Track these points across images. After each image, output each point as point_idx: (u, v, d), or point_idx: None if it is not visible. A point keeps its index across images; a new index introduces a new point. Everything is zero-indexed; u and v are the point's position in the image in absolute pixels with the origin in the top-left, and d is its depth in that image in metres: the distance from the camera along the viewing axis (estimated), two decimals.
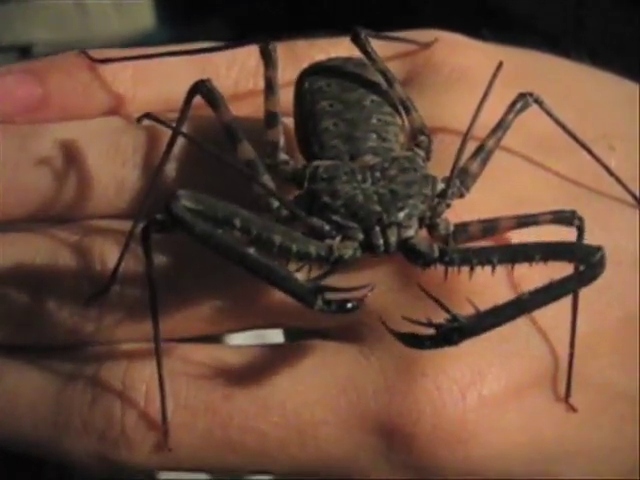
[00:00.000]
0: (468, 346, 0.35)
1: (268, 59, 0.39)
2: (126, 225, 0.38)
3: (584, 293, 0.37)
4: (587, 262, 0.33)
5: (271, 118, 0.38)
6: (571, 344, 0.38)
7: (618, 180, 0.40)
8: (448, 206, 0.36)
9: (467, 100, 0.39)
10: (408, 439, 0.36)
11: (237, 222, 0.33)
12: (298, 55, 0.42)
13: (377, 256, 0.35)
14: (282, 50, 0.41)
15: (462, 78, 0.41)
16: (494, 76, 0.38)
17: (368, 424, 0.36)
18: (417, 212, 0.35)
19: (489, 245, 0.36)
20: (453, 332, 0.33)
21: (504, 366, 0.37)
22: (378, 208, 0.35)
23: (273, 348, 0.38)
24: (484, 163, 0.38)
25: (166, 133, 0.39)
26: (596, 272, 0.33)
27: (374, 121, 0.38)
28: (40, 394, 0.38)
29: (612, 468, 0.40)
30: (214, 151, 0.35)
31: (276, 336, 0.45)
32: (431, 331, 0.33)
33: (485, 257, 0.34)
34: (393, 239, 0.35)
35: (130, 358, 0.38)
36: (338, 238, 0.35)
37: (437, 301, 0.33)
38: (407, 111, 0.39)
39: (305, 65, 0.41)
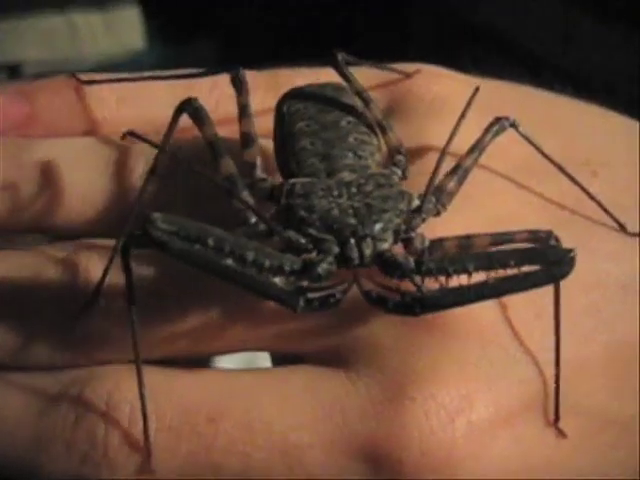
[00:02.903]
0: (455, 370, 0.36)
1: (239, 86, 0.40)
2: (111, 242, 0.38)
3: (570, 316, 0.37)
4: (558, 261, 0.34)
5: (246, 139, 0.39)
6: (556, 363, 0.37)
7: (599, 204, 0.40)
8: (423, 220, 0.36)
9: (450, 126, 0.39)
10: (396, 465, 0.35)
11: (210, 241, 0.34)
12: (280, 82, 0.42)
13: (352, 269, 0.35)
14: (265, 77, 0.42)
15: (444, 106, 0.42)
16: (471, 98, 0.38)
17: (355, 449, 0.36)
18: (392, 225, 0.35)
19: (464, 253, 0.35)
20: (416, 302, 0.33)
21: (492, 391, 0.36)
22: (353, 221, 0.35)
23: (259, 372, 0.38)
24: (460, 182, 0.38)
25: (148, 151, 0.39)
26: (564, 270, 0.34)
27: (351, 140, 0.38)
28: (22, 415, 0.37)
29: None
30: (196, 167, 0.36)
31: (264, 362, 0.45)
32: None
33: (461, 265, 0.34)
34: (368, 252, 0.35)
35: (114, 379, 0.37)
36: (314, 252, 0.35)
37: (405, 264, 0.34)
38: (383, 131, 0.40)
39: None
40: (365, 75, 0.42)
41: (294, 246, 0.35)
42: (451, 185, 0.38)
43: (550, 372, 0.37)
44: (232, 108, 0.40)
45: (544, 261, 0.34)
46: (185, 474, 0.36)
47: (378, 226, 0.35)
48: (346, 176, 0.37)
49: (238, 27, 0.73)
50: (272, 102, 0.40)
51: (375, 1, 0.69)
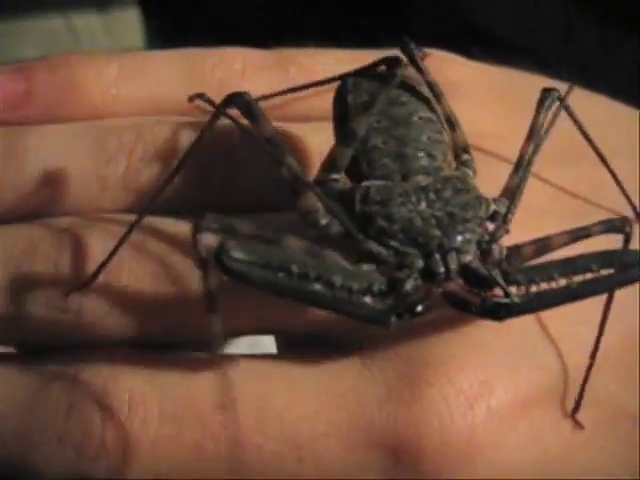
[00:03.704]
0: (473, 356, 0.35)
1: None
2: (115, 217, 0.37)
3: (586, 304, 0.36)
4: (635, 264, 0.34)
5: (350, 136, 0.37)
6: (592, 354, 0.37)
7: (623, 190, 0.39)
8: (507, 232, 0.35)
9: (463, 111, 0.38)
10: (415, 454, 0.35)
11: (294, 268, 0.32)
12: (284, 60, 0.42)
13: (435, 284, 0.34)
14: (271, 55, 0.41)
15: (455, 91, 0.41)
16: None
17: (372, 438, 0.34)
18: (475, 236, 0.34)
19: (545, 262, 0.35)
20: (501, 307, 0.33)
21: (512, 377, 0.36)
22: (437, 233, 0.34)
23: (269, 358, 0.37)
24: (526, 177, 0.37)
25: (150, 133, 0.38)
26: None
27: (423, 138, 0.37)
28: (10, 403, 0.35)
29: None
30: (273, 155, 0.34)
31: (267, 347, 0.43)
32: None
33: (547, 275, 0.34)
34: (454, 265, 0.34)
35: (112, 362, 0.35)
36: (393, 263, 0.34)
37: (491, 275, 0.33)
38: (452, 127, 0.38)
39: (293, 71, 0.40)
40: (371, 57, 0.41)
41: (373, 256, 0.34)
42: (518, 182, 0.37)
43: (569, 361, 0.37)
44: (235, 86, 0.39)
45: (622, 264, 0.34)
46: (191, 466, 0.35)
47: (462, 238, 0.34)
48: (421, 180, 0.36)
49: (238, 28, 0.73)
50: (278, 82, 0.39)
51: (375, 1, 0.69)
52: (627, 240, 0.36)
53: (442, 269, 0.34)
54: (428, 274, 0.34)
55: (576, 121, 0.39)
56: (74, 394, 0.35)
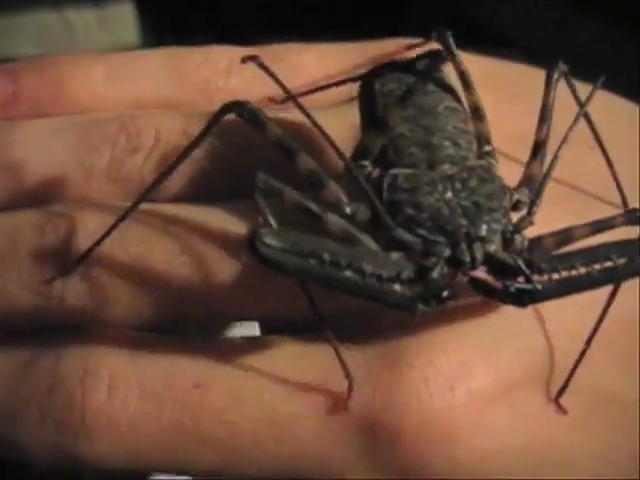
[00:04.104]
0: (454, 338, 0.35)
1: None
2: (96, 208, 0.37)
3: None
4: None
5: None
6: (588, 340, 0.37)
7: (614, 176, 0.40)
8: (531, 223, 0.36)
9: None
10: (393, 435, 0.35)
11: (326, 255, 0.33)
12: (269, 57, 0.41)
13: (460, 272, 0.34)
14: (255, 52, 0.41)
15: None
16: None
17: (350, 419, 0.35)
18: (500, 226, 0.35)
19: (567, 251, 0.35)
20: (525, 293, 0.33)
21: (493, 359, 0.35)
22: (464, 222, 0.35)
23: (248, 340, 0.37)
24: (543, 161, 0.37)
25: (133, 125, 0.39)
26: None
27: (449, 128, 0.37)
28: None
29: (604, 475, 0.38)
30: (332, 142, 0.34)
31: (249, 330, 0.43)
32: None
33: (569, 264, 0.34)
34: (479, 255, 0.34)
35: (94, 342, 0.36)
36: (420, 251, 0.34)
37: (515, 264, 0.33)
38: (479, 118, 0.39)
39: (278, 67, 0.40)
40: (356, 49, 0.42)
41: (401, 244, 0.35)
42: (536, 169, 0.37)
43: (553, 343, 0.36)
44: (221, 83, 0.40)
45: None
46: (171, 444, 0.35)
47: (488, 227, 0.35)
48: (447, 169, 0.36)
49: (234, 23, 0.73)
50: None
51: (374, 1, 0.69)
52: None
53: (468, 258, 0.34)
54: (454, 262, 0.34)
55: (577, 98, 0.39)
56: (57, 372, 0.36)
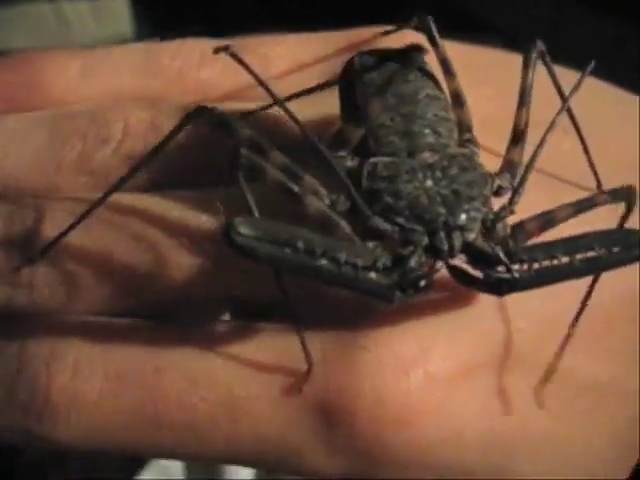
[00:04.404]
0: (413, 322, 0.35)
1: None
2: (66, 199, 0.38)
3: None
4: (635, 244, 0.34)
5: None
6: (572, 324, 0.36)
7: (589, 160, 0.39)
8: (512, 212, 0.36)
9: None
10: (348, 416, 0.34)
11: (300, 244, 0.33)
12: (241, 49, 0.41)
13: (439, 260, 0.34)
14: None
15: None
16: None
17: (305, 400, 0.35)
18: (480, 215, 0.35)
19: (549, 240, 0.35)
20: (503, 283, 0.33)
21: (452, 343, 0.35)
22: (443, 210, 0.34)
23: (206, 325, 0.37)
24: (523, 147, 0.37)
25: (103, 117, 0.39)
26: None
27: (430, 116, 0.37)
28: None
29: (587, 466, 0.38)
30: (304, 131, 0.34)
31: None
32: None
33: (549, 252, 0.34)
34: (458, 243, 0.34)
35: (60, 328, 0.37)
36: (398, 239, 0.34)
37: (494, 253, 0.33)
38: (460, 105, 0.38)
39: (250, 59, 0.40)
40: (330, 38, 0.42)
41: (379, 233, 0.35)
42: (517, 154, 0.37)
43: (516, 328, 0.36)
44: (194, 75, 0.40)
45: (625, 243, 0.35)
46: (132, 425, 0.36)
47: (467, 216, 0.34)
48: (428, 157, 0.36)
49: (229, 16, 0.73)
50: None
51: None
52: (629, 209, 0.36)
53: (446, 246, 0.34)
54: (432, 251, 0.34)
55: (555, 81, 0.39)
56: (23, 356, 0.36)
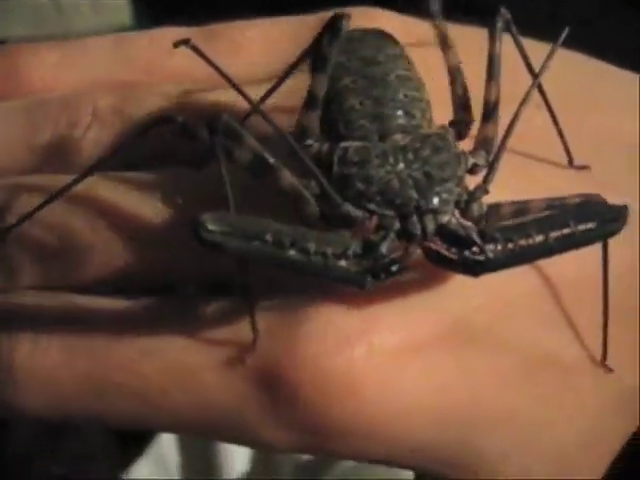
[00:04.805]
0: (362, 296, 0.35)
1: (337, 34, 0.37)
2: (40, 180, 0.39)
3: None
4: (612, 219, 0.34)
5: (313, 100, 0.37)
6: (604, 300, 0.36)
7: (560, 134, 0.39)
8: (486, 192, 0.35)
9: None
10: (291, 387, 0.34)
11: (268, 236, 0.33)
12: (212, 35, 0.42)
13: (412, 244, 0.34)
14: (200, 32, 0.42)
15: None
16: None
17: (249, 371, 0.35)
18: (453, 196, 0.34)
19: (523, 219, 0.35)
20: (477, 264, 0.33)
21: (402, 317, 0.35)
22: (415, 194, 0.34)
23: (158, 299, 0.38)
24: (497, 122, 0.36)
25: (77, 105, 0.40)
26: (617, 227, 0.34)
27: (401, 97, 0.37)
28: None
29: (553, 444, 0.38)
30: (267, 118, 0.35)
31: None
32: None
33: (524, 232, 0.34)
34: (431, 226, 0.34)
35: (20, 301, 0.38)
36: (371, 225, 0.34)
37: (467, 235, 0.33)
38: (453, 81, 0.38)
39: (221, 45, 0.41)
40: (301, 22, 0.42)
41: (350, 219, 0.34)
42: (491, 129, 0.36)
43: (474, 304, 0.36)
44: (166, 64, 0.41)
45: (599, 219, 0.34)
46: (86, 394, 0.36)
47: (439, 198, 0.34)
48: (399, 139, 0.36)
49: (228, 5, 0.72)
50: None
51: None
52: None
53: (419, 230, 0.34)
54: (405, 235, 0.34)
55: (521, 48, 0.39)
56: None
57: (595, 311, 0.37)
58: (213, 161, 0.36)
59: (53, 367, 0.37)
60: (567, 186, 0.37)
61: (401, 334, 0.35)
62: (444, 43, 0.38)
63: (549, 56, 0.36)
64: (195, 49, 0.35)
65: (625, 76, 0.43)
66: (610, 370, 0.37)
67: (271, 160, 0.35)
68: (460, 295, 0.36)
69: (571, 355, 0.37)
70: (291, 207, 0.36)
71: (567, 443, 0.38)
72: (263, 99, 0.39)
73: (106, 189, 0.38)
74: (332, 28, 0.36)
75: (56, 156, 0.40)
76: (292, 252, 0.33)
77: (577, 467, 0.39)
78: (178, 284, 0.38)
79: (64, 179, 0.38)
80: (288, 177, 0.35)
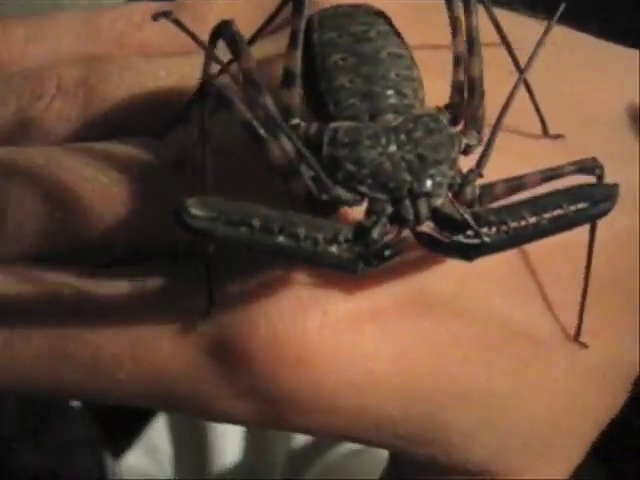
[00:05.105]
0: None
1: (300, 8, 0.36)
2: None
3: None
4: (603, 199, 0.34)
5: (289, 77, 0.36)
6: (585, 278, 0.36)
7: (533, 101, 0.38)
8: (481, 176, 0.34)
9: None
10: (243, 356, 0.34)
11: (256, 222, 0.31)
12: (179, 8, 0.41)
13: (405, 228, 0.33)
14: (167, 5, 0.42)
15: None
16: None
17: (202, 340, 0.34)
18: (447, 179, 0.33)
19: (516, 200, 0.34)
20: (471, 247, 0.32)
21: (359, 285, 0.34)
22: (408, 177, 0.33)
23: (112, 270, 0.37)
24: (483, 99, 0.35)
25: (40, 77, 0.40)
26: (609, 206, 0.34)
27: (392, 76, 0.35)
28: None
29: (522, 420, 0.37)
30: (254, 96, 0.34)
31: None
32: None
33: (518, 214, 0.33)
34: (424, 210, 0.32)
35: None
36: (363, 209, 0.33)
37: (462, 218, 0.32)
38: (457, 66, 0.36)
39: (187, 17, 0.39)
40: None
41: (341, 203, 0.33)
42: (478, 105, 0.35)
43: (438, 272, 0.35)
44: (137, 37, 0.41)
45: (591, 199, 0.33)
46: (42, 366, 0.36)
47: (433, 181, 0.33)
48: (391, 119, 0.34)
49: None
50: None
51: None
52: (599, 181, 0.35)
53: (412, 215, 0.33)
54: (397, 219, 0.33)
55: (495, 22, 0.38)
56: None
57: (571, 285, 0.37)
58: (173, 129, 0.37)
59: (6, 341, 0.36)
60: (547, 156, 0.36)
61: (357, 301, 0.34)
62: (454, 28, 0.36)
63: (544, 33, 0.35)
64: (176, 21, 0.34)
65: (602, 46, 0.42)
66: (584, 345, 0.37)
67: (261, 133, 0.34)
68: (423, 264, 0.35)
69: (542, 329, 0.36)
70: (278, 183, 0.34)
71: (538, 419, 0.37)
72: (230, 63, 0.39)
73: (65, 160, 0.38)
74: None
75: (21, 128, 0.40)
76: (281, 238, 0.31)
77: (551, 444, 0.38)
78: (137, 254, 0.37)
79: (30, 152, 0.38)
80: (277, 149, 0.34)
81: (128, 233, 0.37)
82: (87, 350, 0.36)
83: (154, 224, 0.36)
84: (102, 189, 0.36)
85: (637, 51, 0.42)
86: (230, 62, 0.36)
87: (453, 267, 0.35)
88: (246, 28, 0.39)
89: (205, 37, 0.39)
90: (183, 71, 0.40)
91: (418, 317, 0.35)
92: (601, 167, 0.35)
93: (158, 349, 0.35)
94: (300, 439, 0.66)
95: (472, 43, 0.36)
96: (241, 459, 0.67)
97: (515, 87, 0.34)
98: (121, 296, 0.36)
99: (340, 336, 0.34)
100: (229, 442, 0.66)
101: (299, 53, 0.36)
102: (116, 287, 0.36)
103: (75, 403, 0.64)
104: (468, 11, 0.36)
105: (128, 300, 0.35)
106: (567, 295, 0.37)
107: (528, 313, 0.36)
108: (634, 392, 0.40)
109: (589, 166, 0.35)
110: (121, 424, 0.65)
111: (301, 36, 0.36)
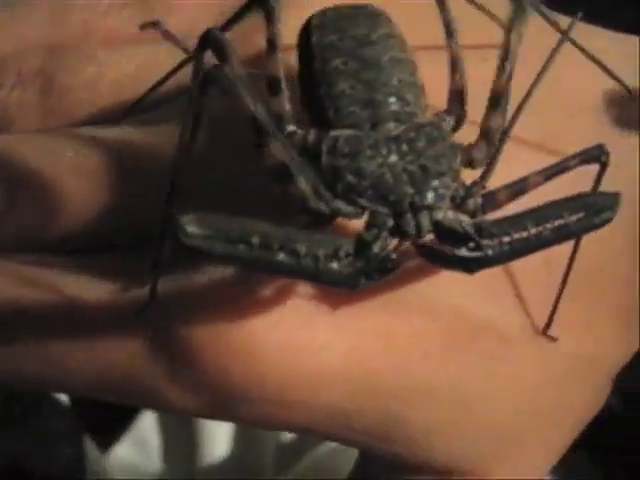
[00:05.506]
0: None
1: (271, 13, 0.35)
2: None
3: None
4: (606, 208, 0.33)
5: (274, 84, 0.35)
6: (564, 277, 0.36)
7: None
8: (484, 188, 0.33)
9: None
10: (190, 347, 0.33)
11: (255, 239, 0.31)
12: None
13: (405, 242, 0.32)
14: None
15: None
16: None
17: (147, 332, 0.34)
18: (449, 192, 0.33)
19: (519, 212, 0.33)
20: (472, 261, 0.32)
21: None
22: (410, 190, 0.32)
23: (61, 257, 0.37)
24: (505, 113, 0.34)
25: (4, 67, 0.41)
26: (611, 215, 0.33)
27: (394, 82, 0.34)
28: None
29: (488, 419, 0.36)
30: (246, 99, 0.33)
31: None
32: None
33: (520, 225, 0.32)
34: (426, 224, 0.32)
35: None
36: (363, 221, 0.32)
37: (464, 231, 0.32)
38: (454, 70, 0.35)
39: (156, 7, 0.40)
40: None
41: (341, 216, 0.33)
42: (497, 120, 0.34)
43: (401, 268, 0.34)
44: (105, 26, 0.41)
45: (592, 209, 0.33)
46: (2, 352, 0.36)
47: (435, 194, 0.32)
48: (393, 128, 0.34)
49: None
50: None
51: None
52: (603, 169, 0.35)
53: (413, 229, 0.32)
54: (399, 233, 0.32)
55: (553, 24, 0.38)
56: None
57: (544, 279, 0.36)
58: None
59: None
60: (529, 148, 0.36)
61: (308, 297, 0.34)
62: (448, 29, 0.36)
63: (559, 44, 0.35)
64: (165, 32, 0.35)
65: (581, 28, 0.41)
66: (552, 339, 0.36)
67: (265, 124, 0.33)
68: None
69: (509, 324, 0.36)
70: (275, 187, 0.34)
71: (504, 418, 0.37)
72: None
73: (35, 145, 0.38)
74: None
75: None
76: (281, 255, 0.31)
77: (521, 442, 0.38)
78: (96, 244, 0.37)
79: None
80: (276, 147, 0.33)
81: (108, 217, 0.37)
82: (37, 340, 0.35)
83: (124, 208, 0.36)
84: (78, 175, 0.37)
85: (618, 33, 0.42)
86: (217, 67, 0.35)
87: (414, 263, 0.34)
88: (215, 13, 0.40)
89: (174, 24, 0.40)
90: (145, 60, 0.40)
91: (374, 311, 0.34)
92: (607, 153, 0.34)
93: (107, 339, 0.35)
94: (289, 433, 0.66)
95: (506, 55, 0.34)
96: (230, 452, 0.66)
97: (528, 94, 0.34)
98: (70, 286, 0.35)
99: (290, 329, 0.33)
100: (218, 435, 0.66)
101: (279, 56, 0.35)
102: (70, 277, 0.36)
103: (62, 396, 0.64)
104: (513, 24, 0.35)
105: (76, 289, 0.35)
106: (541, 291, 0.36)
107: (495, 309, 0.36)
108: (631, 389, 0.39)
109: (595, 154, 0.34)
110: (110, 417, 0.65)
111: (278, 42, 0.35)
